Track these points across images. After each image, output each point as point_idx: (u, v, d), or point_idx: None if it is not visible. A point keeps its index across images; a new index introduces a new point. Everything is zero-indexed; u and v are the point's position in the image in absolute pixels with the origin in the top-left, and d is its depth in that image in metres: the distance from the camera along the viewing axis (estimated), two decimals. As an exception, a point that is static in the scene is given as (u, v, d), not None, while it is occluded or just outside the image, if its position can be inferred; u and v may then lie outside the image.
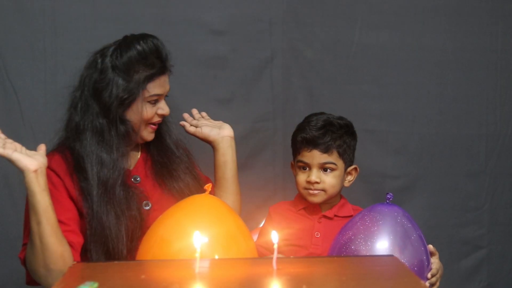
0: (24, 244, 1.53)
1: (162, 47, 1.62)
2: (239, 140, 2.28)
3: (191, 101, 2.24)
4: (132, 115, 1.59)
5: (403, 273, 1.20)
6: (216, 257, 1.33)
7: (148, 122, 1.62)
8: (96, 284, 1.07)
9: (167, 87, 1.64)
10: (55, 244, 1.43)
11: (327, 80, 2.32)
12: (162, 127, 1.71)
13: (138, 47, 1.57)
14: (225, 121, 2.26)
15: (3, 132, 1.49)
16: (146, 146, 1.73)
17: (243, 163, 2.30)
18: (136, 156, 1.71)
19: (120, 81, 1.55)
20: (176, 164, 1.70)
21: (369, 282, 1.15)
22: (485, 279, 2.43)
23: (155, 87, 1.59)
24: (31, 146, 1.66)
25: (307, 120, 1.73)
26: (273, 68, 2.29)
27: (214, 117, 2.26)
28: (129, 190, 1.58)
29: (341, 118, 1.74)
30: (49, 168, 1.54)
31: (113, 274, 1.20)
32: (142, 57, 1.57)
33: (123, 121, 1.58)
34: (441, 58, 2.36)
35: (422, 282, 1.11)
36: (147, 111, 1.60)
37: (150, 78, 1.57)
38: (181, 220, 1.40)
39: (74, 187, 1.55)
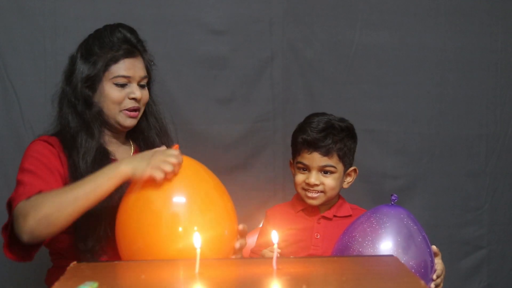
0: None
1: (131, 34, 1.64)
2: (239, 140, 2.29)
3: (191, 101, 2.24)
4: (99, 97, 1.62)
5: (403, 273, 1.20)
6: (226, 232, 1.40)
7: (121, 107, 1.63)
8: (96, 284, 1.07)
9: (140, 72, 1.64)
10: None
11: (327, 80, 2.32)
12: (147, 122, 1.73)
13: (105, 34, 1.63)
14: (225, 121, 2.27)
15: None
16: (137, 143, 1.74)
17: (243, 163, 2.30)
18: (129, 152, 1.71)
19: (85, 64, 1.62)
20: None
21: (369, 282, 1.15)
22: (485, 279, 2.43)
23: (120, 69, 1.61)
24: (31, 146, 1.66)
25: (308, 120, 1.72)
26: (273, 68, 2.29)
27: (214, 117, 2.27)
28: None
29: (342, 120, 1.72)
30: (48, 143, 1.59)
31: (113, 274, 1.20)
32: (107, 42, 1.61)
33: (91, 103, 1.61)
34: (441, 58, 2.36)
35: (422, 282, 1.10)
36: (113, 93, 1.61)
37: (113, 60, 1.61)
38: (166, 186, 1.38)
39: (64, 168, 1.58)
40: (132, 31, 1.66)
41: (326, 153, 1.66)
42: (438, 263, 1.53)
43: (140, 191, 1.39)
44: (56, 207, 1.40)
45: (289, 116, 2.28)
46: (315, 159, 1.66)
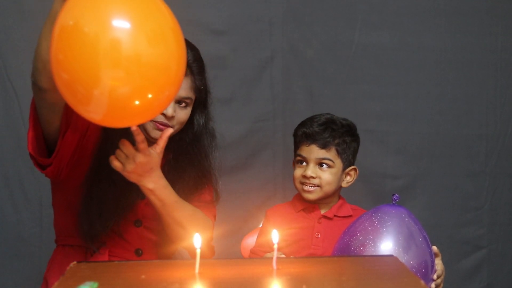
0: None
1: (190, 52, 1.56)
2: (239, 140, 2.29)
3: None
4: None
5: (403, 273, 1.20)
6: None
7: (153, 119, 1.54)
8: (96, 284, 1.07)
9: (180, 91, 1.52)
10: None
11: (327, 80, 2.32)
12: (180, 137, 1.64)
13: None
14: (225, 121, 2.27)
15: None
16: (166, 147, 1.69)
17: (243, 163, 2.30)
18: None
19: None
20: (183, 183, 1.64)
21: (369, 282, 1.15)
22: (485, 279, 2.43)
23: None
24: (31, 146, 1.66)
25: (311, 117, 1.76)
26: (273, 68, 2.29)
27: (214, 117, 2.27)
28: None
29: (345, 119, 1.75)
30: None
31: (113, 274, 1.20)
32: None
33: None
34: (441, 58, 2.36)
35: (422, 282, 1.10)
36: None
37: None
38: (98, 2, 1.15)
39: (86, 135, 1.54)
40: (192, 49, 1.58)
41: (324, 146, 1.68)
42: (438, 264, 1.53)
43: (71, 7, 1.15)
44: (37, 44, 1.33)
45: (289, 116, 2.28)
46: (313, 151, 1.68)
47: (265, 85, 2.29)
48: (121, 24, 1.14)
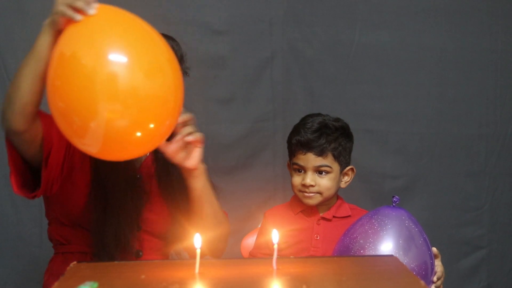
0: None
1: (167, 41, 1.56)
2: (239, 140, 2.29)
3: (191, 101, 2.23)
4: None
5: (403, 273, 1.20)
6: None
7: None
8: (96, 284, 1.07)
9: None
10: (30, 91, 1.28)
11: (327, 80, 2.32)
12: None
13: None
14: (225, 121, 2.27)
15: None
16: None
17: (243, 163, 2.30)
18: (143, 157, 1.69)
19: None
20: (179, 175, 1.67)
21: (369, 282, 1.15)
22: (485, 279, 2.43)
23: None
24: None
25: (303, 122, 1.72)
26: (273, 68, 2.29)
27: (214, 117, 2.27)
28: (132, 185, 1.57)
29: (337, 119, 1.72)
30: None
31: (113, 274, 1.20)
32: None
33: None
34: (441, 58, 2.36)
35: (422, 282, 1.11)
36: None
37: None
38: (96, 35, 1.17)
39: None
40: (169, 39, 1.57)
41: (321, 153, 1.66)
42: (438, 265, 1.53)
43: (66, 42, 1.17)
44: (12, 86, 1.32)
45: (289, 116, 2.28)
46: (310, 159, 1.66)
47: (265, 85, 2.29)
48: (117, 58, 1.15)
